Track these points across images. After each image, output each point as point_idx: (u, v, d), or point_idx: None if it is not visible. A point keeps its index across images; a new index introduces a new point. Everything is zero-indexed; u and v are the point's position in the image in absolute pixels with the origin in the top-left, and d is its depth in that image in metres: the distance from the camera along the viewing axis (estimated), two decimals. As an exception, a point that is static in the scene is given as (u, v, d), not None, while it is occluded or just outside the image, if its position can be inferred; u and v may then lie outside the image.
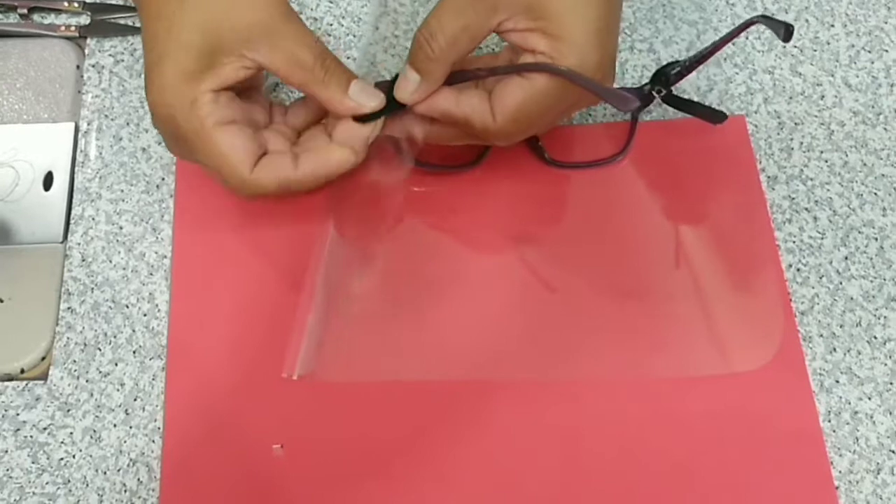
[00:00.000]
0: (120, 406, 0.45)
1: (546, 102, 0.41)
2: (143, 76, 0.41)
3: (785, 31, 0.43)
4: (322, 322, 0.46)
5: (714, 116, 0.51)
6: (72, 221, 0.49)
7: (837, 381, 0.47)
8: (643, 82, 0.51)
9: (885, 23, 0.55)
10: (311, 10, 0.55)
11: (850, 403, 0.46)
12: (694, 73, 0.53)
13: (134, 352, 0.46)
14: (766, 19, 0.44)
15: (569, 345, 0.47)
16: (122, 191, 0.50)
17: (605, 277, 0.48)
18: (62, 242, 0.49)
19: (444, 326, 0.47)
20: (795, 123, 0.53)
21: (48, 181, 0.50)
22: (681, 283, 0.48)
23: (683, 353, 0.47)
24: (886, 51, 0.55)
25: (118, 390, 0.46)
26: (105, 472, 0.44)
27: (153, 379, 0.46)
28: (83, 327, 0.47)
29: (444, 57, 0.41)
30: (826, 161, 0.52)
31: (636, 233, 0.49)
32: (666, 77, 0.49)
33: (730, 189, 0.51)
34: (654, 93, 0.50)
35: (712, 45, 0.47)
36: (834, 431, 0.45)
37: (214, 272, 0.48)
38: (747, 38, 0.55)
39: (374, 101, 0.42)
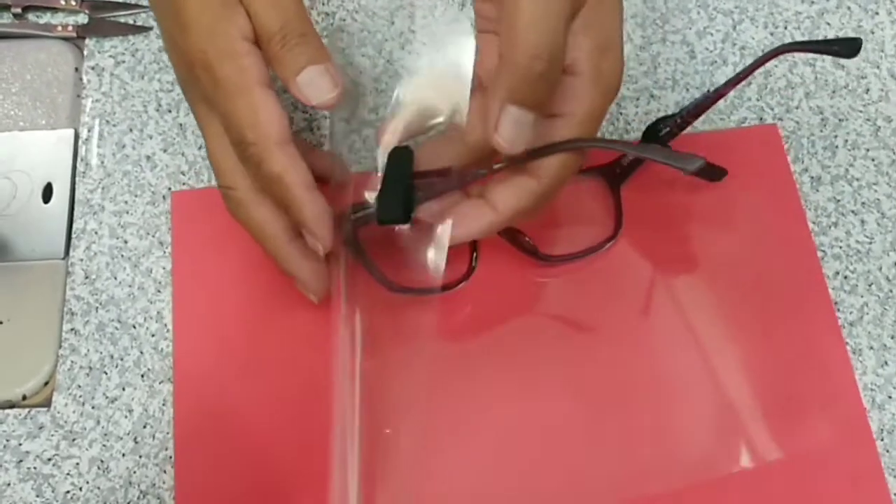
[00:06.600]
0: (128, 434, 0.43)
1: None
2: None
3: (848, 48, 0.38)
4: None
5: (714, 174, 0.46)
6: (73, 236, 0.47)
7: (890, 397, 0.44)
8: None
9: (933, 9, 0.52)
10: (323, 4, 0.52)
11: (905, 421, 0.43)
12: (729, 66, 0.51)
13: (142, 375, 0.44)
14: (803, 45, 0.40)
15: (612, 465, 0.43)
16: (126, 202, 0.47)
17: (630, 374, 0.44)
18: (63, 258, 0.46)
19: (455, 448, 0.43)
20: (839, 120, 0.50)
21: (47, 193, 0.48)
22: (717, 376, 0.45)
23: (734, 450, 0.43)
24: (935, 39, 0.52)
25: (126, 417, 0.43)
26: (114, 505, 0.42)
27: (163, 404, 0.43)
28: (88, 350, 0.44)
29: None
30: (873, 160, 0.49)
31: (657, 313, 0.45)
32: (658, 137, 0.44)
33: (771, 226, 0.47)
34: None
35: (715, 91, 0.42)
36: (888, 451, 0.43)
37: (217, 292, 0.45)
38: (786, 27, 0.52)
39: (324, 97, 0.37)
